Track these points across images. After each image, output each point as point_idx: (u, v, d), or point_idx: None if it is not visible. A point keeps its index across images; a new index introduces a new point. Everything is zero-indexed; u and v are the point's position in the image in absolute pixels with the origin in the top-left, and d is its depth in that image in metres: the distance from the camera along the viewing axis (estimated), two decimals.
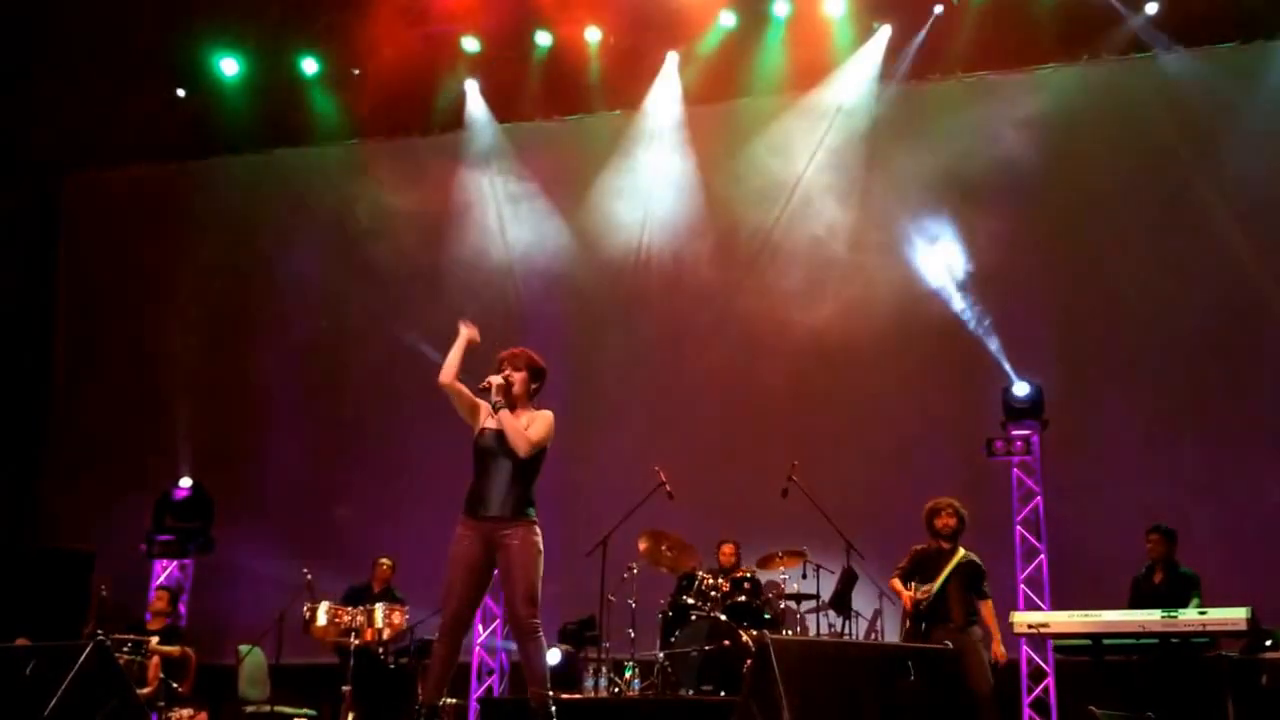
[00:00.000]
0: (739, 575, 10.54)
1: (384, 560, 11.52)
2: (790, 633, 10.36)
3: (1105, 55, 12.83)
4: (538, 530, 6.70)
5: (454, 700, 11.42)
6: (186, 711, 10.17)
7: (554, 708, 6.59)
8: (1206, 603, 8.78)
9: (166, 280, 14.97)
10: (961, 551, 9.01)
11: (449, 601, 6.69)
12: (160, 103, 14.79)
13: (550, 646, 9.10)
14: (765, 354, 13.19)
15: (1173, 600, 8.92)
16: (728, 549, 10.95)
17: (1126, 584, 9.93)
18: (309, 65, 14.69)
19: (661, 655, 9.98)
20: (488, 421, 6.76)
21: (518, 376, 6.85)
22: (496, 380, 6.76)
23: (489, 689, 12.73)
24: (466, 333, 6.90)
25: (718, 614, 9.91)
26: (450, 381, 6.77)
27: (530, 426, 6.73)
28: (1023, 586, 11.54)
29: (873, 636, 10.90)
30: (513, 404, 6.79)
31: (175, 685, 10.67)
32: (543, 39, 14.15)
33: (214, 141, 15.14)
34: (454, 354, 6.82)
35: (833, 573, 10.78)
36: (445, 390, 6.79)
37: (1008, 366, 12.13)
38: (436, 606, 10.54)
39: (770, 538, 11.01)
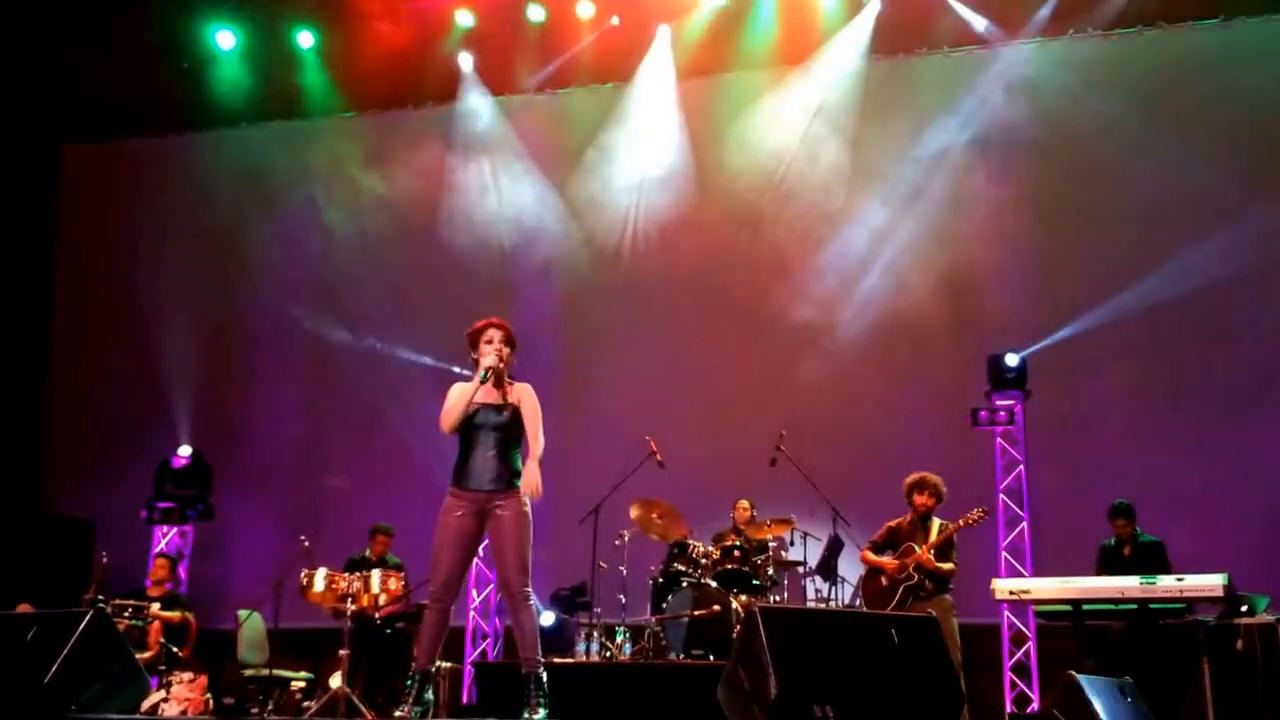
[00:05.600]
0: (755, 538, 10.72)
1: (379, 533, 11.70)
2: (777, 599, 10.52)
3: (1089, 30, 12.98)
4: (527, 500, 6.79)
5: (449, 664, 11.62)
6: (187, 675, 10.25)
7: (545, 672, 6.72)
8: (1183, 569, 8.94)
9: (164, 251, 15.05)
10: (938, 522, 9.31)
11: (438, 570, 6.78)
12: (158, 75, 14.87)
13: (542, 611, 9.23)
14: (754, 324, 13.30)
15: (1144, 570, 9.11)
16: (744, 503, 11.09)
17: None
18: (304, 38, 14.78)
19: (653, 620, 10.16)
20: (478, 397, 6.81)
21: (506, 353, 6.89)
22: (496, 364, 6.81)
23: (483, 653, 12.92)
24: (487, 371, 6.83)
25: (708, 580, 10.08)
26: (452, 430, 6.84)
27: (533, 413, 6.84)
28: (1005, 554, 11.73)
29: (859, 602, 11.07)
30: (503, 380, 6.87)
31: (176, 650, 10.83)
32: (535, 13, 14.24)
33: (210, 114, 15.22)
34: (463, 401, 6.80)
35: (820, 540, 10.95)
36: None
37: (993, 337, 12.27)
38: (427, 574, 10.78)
39: (758, 506, 11.17)
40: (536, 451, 6.76)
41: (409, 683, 6.85)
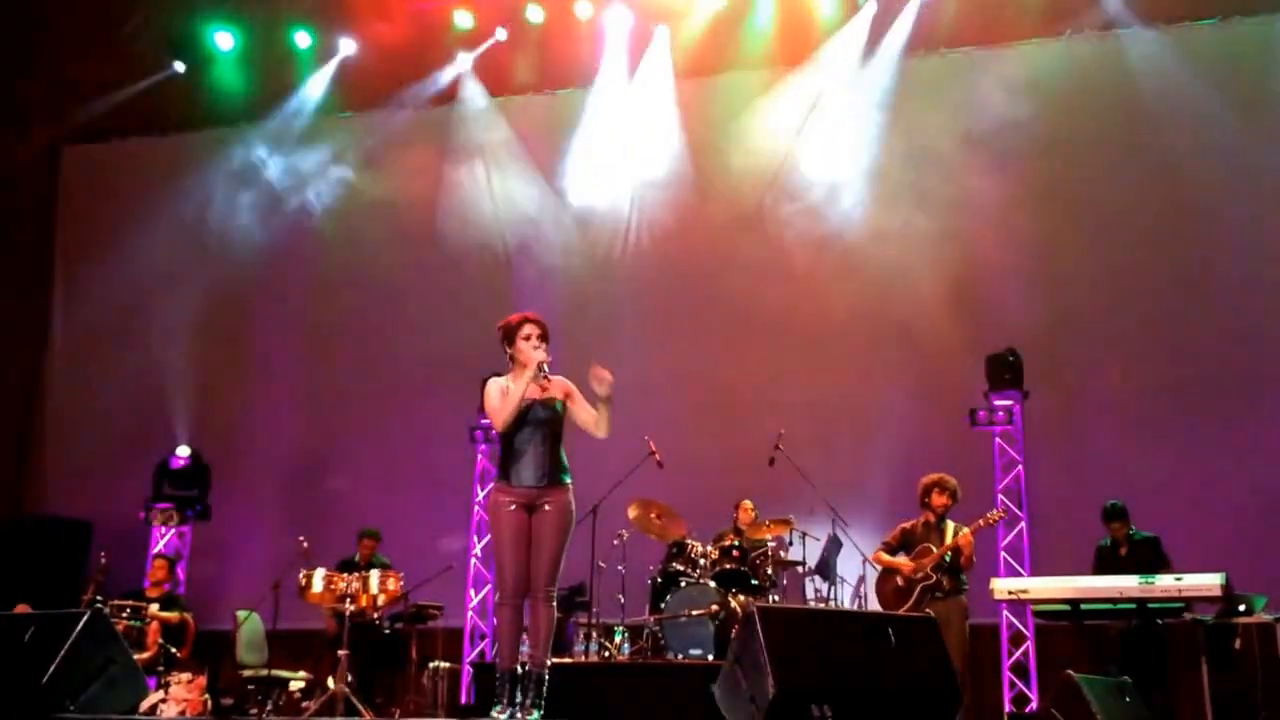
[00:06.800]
0: (754, 538, 10.71)
1: (366, 537, 11.71)
2: (776, 599, 10.50)
3: (1088, 30, 12.99)
4: (573, 498, 6.82)
5: (447, 664, 11.63)
6: (185, 676, 10.26)
7: (547, 674, 6.68)
8: (1181, 568, 8.95)
9: (163, 251, 15.02)
10: (953, 525, 9.33)
11: (504, 570, 6.75)
12: (157, 75, 14.90)
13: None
14: (752, 325, 13.28)
15: (1142, 567, 9.12)
16: (748, 504, 11.05)
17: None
18: (302, 39, 14.79)
19: (651, 620, 10.16)
20: (530, 392, 6.77)
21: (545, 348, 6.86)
22: (547, 359, 6.79)
23: (481, 653, 12.92)
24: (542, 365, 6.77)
25: (706, 580, 10.08)
26: (505, 426, 6.79)
27: (581, 403, 6.89)
28: (1003, 554, 11.73)
29: (858, 602, 11.08)
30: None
31: (174, 650, 10.84)
32: (534, 14, 14.25)
33: (209, 114, 15.24)
34: (516, 396, 6.75)
35: (819, 540, 10.95)
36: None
37: (992, 337, 12.25)
38: (429, 573, 10.83)
39: (758, 506, 11.15)
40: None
41: (496, 685, 6.78)
